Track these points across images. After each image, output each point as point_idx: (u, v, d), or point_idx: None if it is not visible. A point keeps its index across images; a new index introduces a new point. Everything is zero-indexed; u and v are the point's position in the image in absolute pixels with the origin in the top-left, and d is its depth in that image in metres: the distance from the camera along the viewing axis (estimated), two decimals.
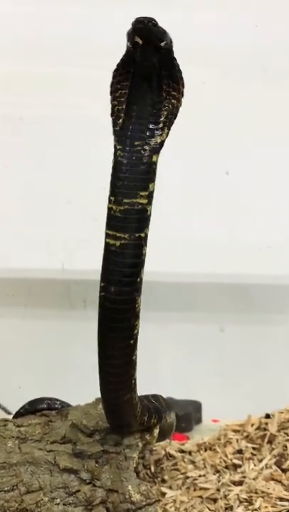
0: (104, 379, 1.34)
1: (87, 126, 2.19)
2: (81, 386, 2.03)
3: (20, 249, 2.23)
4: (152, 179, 1.27)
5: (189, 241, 2.25)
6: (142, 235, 1.26)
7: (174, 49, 1.25)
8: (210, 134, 2.21)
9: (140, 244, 1.26)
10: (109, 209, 1.27)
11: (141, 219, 1.26)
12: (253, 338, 2.29)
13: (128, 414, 1.39)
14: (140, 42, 1.19)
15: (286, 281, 2.29)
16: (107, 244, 1.27)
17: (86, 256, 2.21)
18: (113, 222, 1.26)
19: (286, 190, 2.25)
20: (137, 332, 1.30)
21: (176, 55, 1.28)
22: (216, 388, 2.23)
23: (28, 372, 2.20)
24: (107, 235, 1.27)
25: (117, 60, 1.28)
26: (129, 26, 1.22)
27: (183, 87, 1.28)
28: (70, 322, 2.28)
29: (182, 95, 1.29)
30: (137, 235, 1.26)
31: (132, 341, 1.30)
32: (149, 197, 1.26)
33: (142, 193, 1.25)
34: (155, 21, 1.19)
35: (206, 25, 2.15)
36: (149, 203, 1.26)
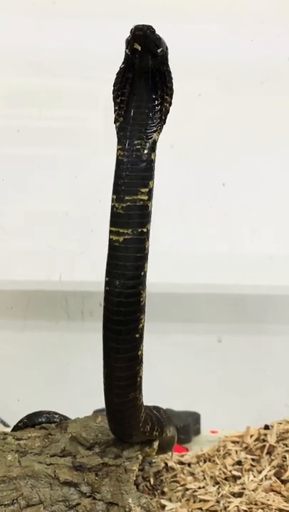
0: (108, 376, 1.33)
1: (84, 138, 2.20)
2: (79, 397, 2.03)
3: (19, 261, 2.23)
4: (152, 176, 1.31)
5: (188, 252, 2.26)
6: (144, 229, 1.30)
7: (168, 56, 1.30)
8: (205, 146, 2.22)
9: (143, 238, 1.30)
10: (112, 207, 1.30)
11: (142, 215, 1.30)
12: (251, 348, 2.29)
13: (131, 416, 1.38)
14: (139, 48, 1.24)
15: (285, 292, 2.29)
16: (110, 241, 1.30)
17: (83, 267, 2.22)
18: (116, 219, 1.30)
19: (284, 201, 2.26)
20: (143, 326, 1.31)
21: (172, 66, 1.32)
22: (214, 399, 2.23)
23: (27, 384, 2.20)
24: (111, 232, 1.30)
25: (114, 73, 1.32)
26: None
27: (173, 91, 1.34)
28: (68, 334, 2.28)
29: (172, 98, 1.34)
30: (139, 230, 1.30)
31: (137, 335, 1.30)
32: (149, 193, 1.31)
33: (143, 190, 1.30)
34: (153, 28, 1.25)
35: (201, 39, 2.16)
36: (150, 199, 1.31)
